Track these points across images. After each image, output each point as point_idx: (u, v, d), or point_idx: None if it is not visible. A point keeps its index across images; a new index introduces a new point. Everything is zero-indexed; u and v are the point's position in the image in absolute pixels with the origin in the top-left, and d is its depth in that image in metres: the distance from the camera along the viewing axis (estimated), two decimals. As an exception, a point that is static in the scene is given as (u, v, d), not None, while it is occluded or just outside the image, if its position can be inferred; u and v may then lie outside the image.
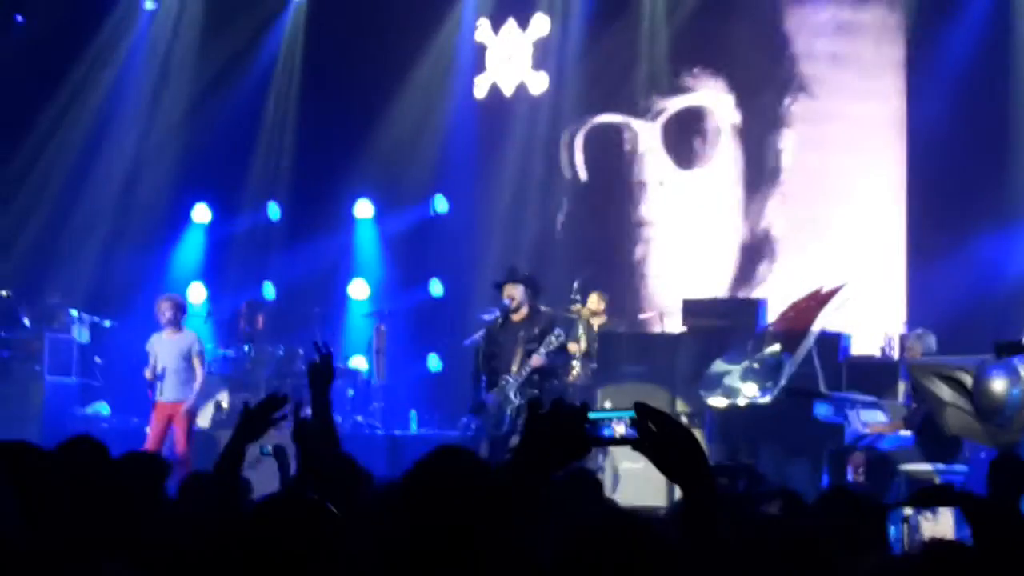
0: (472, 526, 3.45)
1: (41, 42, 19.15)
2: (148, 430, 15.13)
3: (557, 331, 13.05)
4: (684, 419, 14.26)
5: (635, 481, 14.38)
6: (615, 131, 18.89)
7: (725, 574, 3.21)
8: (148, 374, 14.90)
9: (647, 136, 18.65)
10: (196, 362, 14.99)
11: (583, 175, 19.08)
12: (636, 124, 18.71)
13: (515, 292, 13.10)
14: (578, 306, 16.41)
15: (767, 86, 18.01)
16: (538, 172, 19.18)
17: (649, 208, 18.62)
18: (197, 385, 14.94)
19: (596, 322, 16.42)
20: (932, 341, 12.96)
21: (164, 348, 14.92)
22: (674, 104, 18.57)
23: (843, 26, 17.67)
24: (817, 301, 13.11)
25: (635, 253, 18.55)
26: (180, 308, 15.22)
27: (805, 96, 17.79)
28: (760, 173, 18.08)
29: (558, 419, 3.48)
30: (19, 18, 19.66)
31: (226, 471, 5.32)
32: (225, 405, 17.24)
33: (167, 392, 14.85)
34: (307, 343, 17.83)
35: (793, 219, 17.83)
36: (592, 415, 3.53)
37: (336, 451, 6.00)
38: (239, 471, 5.40)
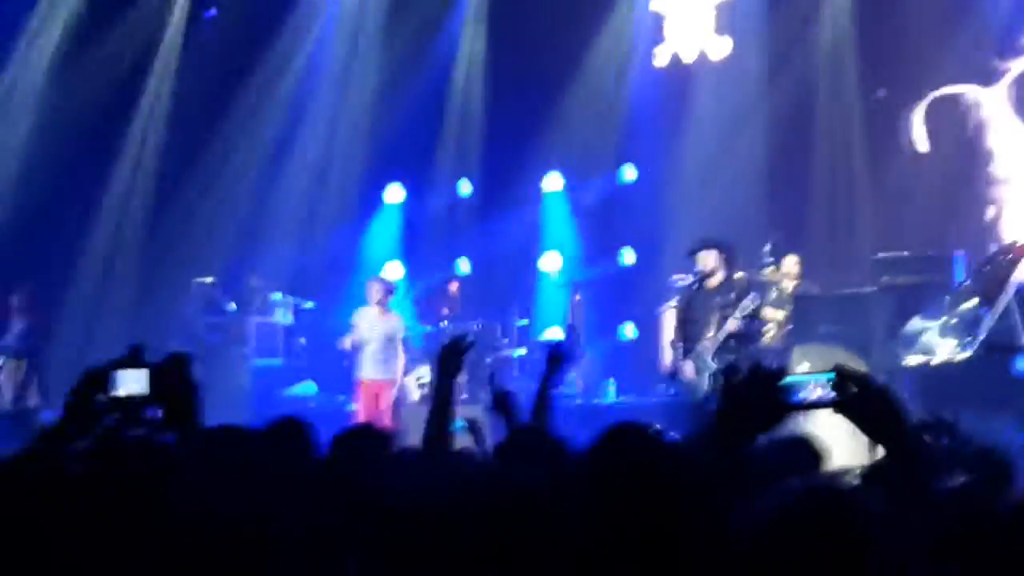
0: (661, 507, 3.31)
1: (232, 33, 19.61)
2: (354, 407, 15.49)
3: (752, 295, 13.01)
4: (883, 377, 14.23)
5: (834, 440, 14.36)
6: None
7: (928, 537, 3.18)
8: (347, 343, 15.27)
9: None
10: (400, 346, 15.33)
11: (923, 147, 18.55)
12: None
13: (708, 259, 13.11)
14: (771, 269, 16.37)
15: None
16: (725, 138, 19.09)
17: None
18: (400, 367, 15.27)
19: (790, 285, 16.35)
20: None
21: (371, 325, 15.26)
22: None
23: None
24: (1015, 253, 12.94)
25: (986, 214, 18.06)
26: (389, 291, 15.60)
27: None
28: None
29: (755, 385, 3.44)
30: (211, 12, 20.15)
31: (441, 409, 5.47)
32: (426, 380, 17.54)
33: (371, 370, 15.19)
34: (503, 317, 18.17)
35: None
36: (790, 379, 3.47)
37: (544, 425, 6.10)
38: (452, 407, 5.57)
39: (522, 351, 18.16)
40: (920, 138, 18.21)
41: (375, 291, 15.40)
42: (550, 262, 19.94)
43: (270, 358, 17.29)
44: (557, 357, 6.59)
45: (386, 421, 14.98)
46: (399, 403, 15.42)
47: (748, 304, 12.86)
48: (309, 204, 19.95)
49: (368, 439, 5.50)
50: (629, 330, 19.40)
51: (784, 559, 2.82)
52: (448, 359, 5.97)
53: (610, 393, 17.94)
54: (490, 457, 6.62)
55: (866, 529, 2.86)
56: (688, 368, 12.97)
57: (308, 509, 4.57)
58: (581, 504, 3.54)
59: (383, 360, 15.19)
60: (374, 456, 5.16)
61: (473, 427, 7.38)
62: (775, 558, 2.83)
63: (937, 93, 18.17)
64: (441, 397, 5.79)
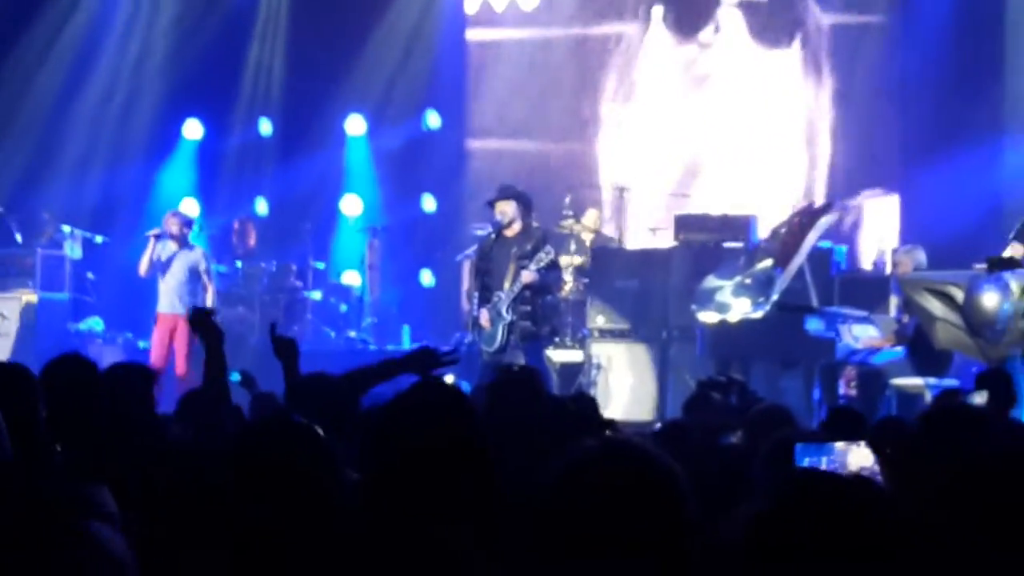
0: (449, 459, 3.43)
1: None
2: (150, 342, 15.23)
3: (548, 247, 13.01)
4: (676, 333, 14.39)
5: (627, 394, 14.49)
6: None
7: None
8: (142, 268, 15.02)
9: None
10: (205, 278, 15.12)
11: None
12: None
13: (507, 208, 13.06)
14: (570, 221, 16.44)
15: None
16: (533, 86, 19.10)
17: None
18: (209, 299, 15.03)
19: (587, 238, 16.45)
20: (922, 256, 12.99)
21: (168, 259, 15.00)
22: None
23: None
24: (808, 216, 13.12)
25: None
26: (187, 224, 15.34)
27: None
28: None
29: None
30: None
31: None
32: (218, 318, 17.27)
33: (168, 303, 14.98)
34: (299, 258, 17.98)
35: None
36: None
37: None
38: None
39: (317, 294, 17.99)
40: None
41: (172, 224, 15.13)
42: (350, 205, 19.76)
43: (56, 292, 16.86)
44: (422, 360, 6.44)
45: (180, 356, 14.73)
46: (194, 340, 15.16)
47: (543, 256, 12.85)
48: (104, 137, 19.46)
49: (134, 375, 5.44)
50: (427, 277, 19.35)
51: (585, 510, 2.82)
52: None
53: (405, 340, 17.87)
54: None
55: (669, 482, 2.86)
56: (484, 317, 12.95)
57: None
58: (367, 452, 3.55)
59: (181, 294, 14.94)
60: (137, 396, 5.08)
61: (246, 378, 7.43)
62: (577, 509, 2.82)
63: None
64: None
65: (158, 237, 15.12)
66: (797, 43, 17.75)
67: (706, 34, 18.18)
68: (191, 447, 4.00)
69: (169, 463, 4.06)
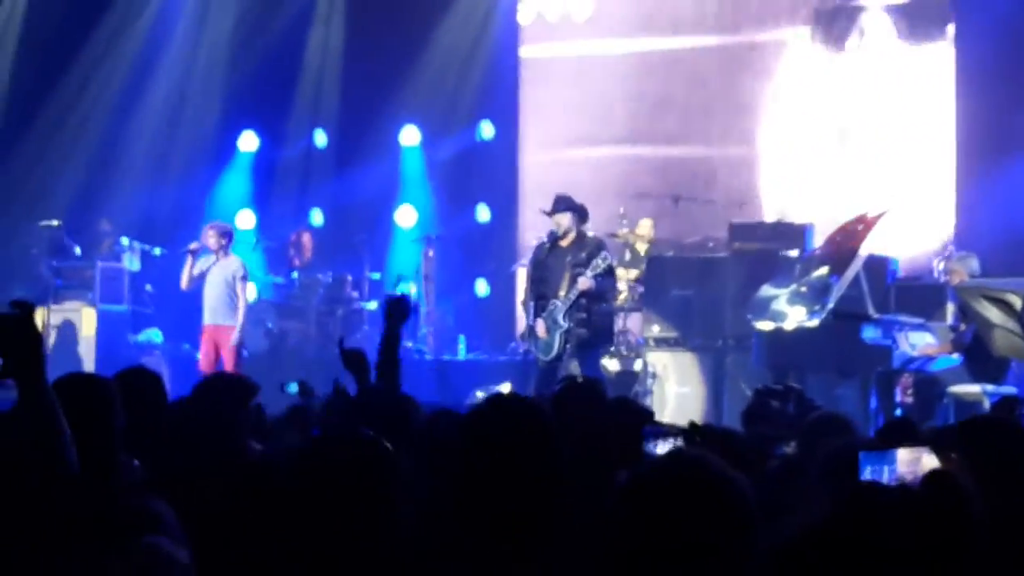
0: (526, 477, 3.44)
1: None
2: (199, 355, 15.35)
3: (604, 254, 13.02)
4: (732, 342, 14.37)
5: (683, 403, 14.49)
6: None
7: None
8: (183, 282, 15.14)
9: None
10: (239, 288, 15.14)
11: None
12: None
13: (563, 220, 13.10)
14: (625, 231, 16.47)
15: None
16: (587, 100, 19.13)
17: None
18: (240, 311, 15.09)
19: (643, 247, 16.47)
20: (975, 264, 12.94)
21: (209, 272, 15.10)
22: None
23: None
24: (864, 224, 13.08)
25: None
26: (225, 235, 15.36)
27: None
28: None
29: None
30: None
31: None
32: (275, 330, 17.45)
33: (211, 316, 15.07)
34: (355, 269, 18.07)
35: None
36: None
37: (393, 384, 6.07)
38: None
39: (373, 304, 18.07)
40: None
41: (211, 237, 15.20)
42: (405, 216, 19.83)
43: (115, 304, 17.00)
44: (395, 311, 6.57)
45: (228, 367, 14.82)
46: (240, 348, 15.27)
47: (599, 263, 12.87)
48: (161, 149, 19.61)
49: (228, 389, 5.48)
50: (482, 287, 19.40)
51: (650, 522, 2.85)
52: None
53: (461, 350, 17.93)
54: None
55: (736, 495, 2.91)
56: (540, 327, 12.98)
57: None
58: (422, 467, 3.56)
59: (222, 306, 15.03)
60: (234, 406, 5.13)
61: (304, 389, 7.45)
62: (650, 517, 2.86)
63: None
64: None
65: (195, 253, 15.19)
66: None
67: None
68: (264, 460, 4.03)
69: (240, 475, 4.10)
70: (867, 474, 3.76)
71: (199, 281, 15.18)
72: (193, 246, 15.24)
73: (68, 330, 16.48)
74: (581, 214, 13.18)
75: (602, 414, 5.15)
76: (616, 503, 2.83)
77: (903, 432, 6.52)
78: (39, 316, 3.86)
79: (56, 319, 16.33)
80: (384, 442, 3.61)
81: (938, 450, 4.20)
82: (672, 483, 2.84)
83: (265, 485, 3.87)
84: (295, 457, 3.66)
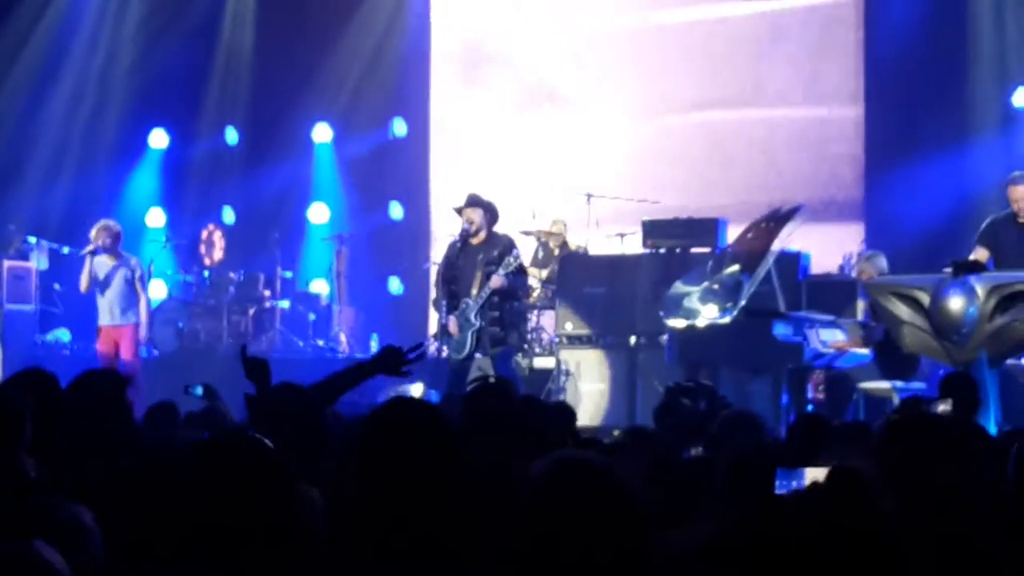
0: (426, 482, 3.45)
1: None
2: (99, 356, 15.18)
3: (515, 252, 13.02)
4: (644, 339, 14.40)
5: (596, 400, 14.50)
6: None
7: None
8: (82, 285, 14.90)
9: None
10: (138, 286, 14.93)
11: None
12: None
13: (474, 216, 13.07)
14: (537, 228, 16.47)
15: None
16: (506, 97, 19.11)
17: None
18: (142, 309, 14.90)
19: (554, 244, 16.48)
20: (883, 262, 13.03)
21: (104, 272, 14.84)
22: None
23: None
24: (775, 221, 13.13)
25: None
26: (115, 234, 15.05)
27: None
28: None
29: None
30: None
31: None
32: (185, 330, 17.30)
33: (108, 316, 14.84)
34: (267, 267, 17.95)
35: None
36: None
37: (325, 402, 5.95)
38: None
39: (285, 303, 17.97)
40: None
41: (102, 237, 14.90)
42: (317, 214, 19.75)
43: (23, 304, 16.78)
44: (388, 362, 6.40)
45: (128, 366, 14.61)
46: (149, 345, 15.10)
47: (511, 261, 12.86)
48: (69, 147, 19.39)
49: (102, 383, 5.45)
50: (395, 284, 19.35)
51: (540, 527, 2.87)
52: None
53: (373, 348, 17.86)
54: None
55: (624, 499, 2.90)
56: (452, 325, 12.95)
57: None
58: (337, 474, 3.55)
59: (119, 306, 14.82)
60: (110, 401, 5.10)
61: (208, 391, 7.42)
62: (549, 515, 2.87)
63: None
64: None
65: (93, 254, 14.92)
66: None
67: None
68: (161, 456, 4.00)
69: (140, 471, 4.06)
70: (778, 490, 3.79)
71: (96, 283, 14.92)
72: (90, 248, 14.96)
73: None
74: (492, 213, 13.16)
75: (512, 414, 5.12)
76: (512, 512, 2.83)
77: (814, 428, 6.58)
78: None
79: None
80: (268, 443, 3.60)
81: (848, 445, 4.22)
82: (557, 489, 2.83)
83: (159, 467, 3.86)
84: (187, 453, 3.65)
